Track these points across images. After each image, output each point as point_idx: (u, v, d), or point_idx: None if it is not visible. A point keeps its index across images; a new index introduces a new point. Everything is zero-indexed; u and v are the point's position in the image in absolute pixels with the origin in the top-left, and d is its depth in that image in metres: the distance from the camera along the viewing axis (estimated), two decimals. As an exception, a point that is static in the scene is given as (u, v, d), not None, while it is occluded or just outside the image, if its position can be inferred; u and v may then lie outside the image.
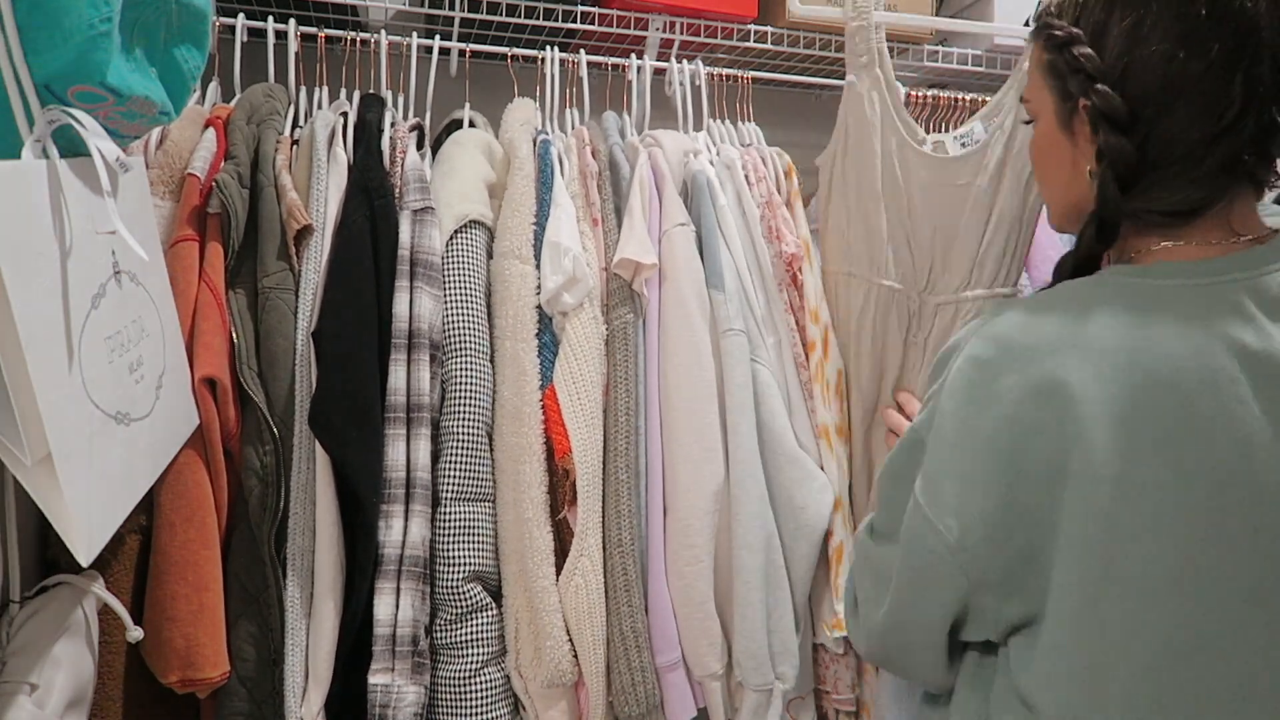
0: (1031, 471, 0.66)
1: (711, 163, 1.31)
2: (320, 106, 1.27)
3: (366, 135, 1.17)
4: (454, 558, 1.07)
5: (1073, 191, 0.76)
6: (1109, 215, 0.70)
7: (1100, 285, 0.71)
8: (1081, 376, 0.65)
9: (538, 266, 1.17)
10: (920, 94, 1.63)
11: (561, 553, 1.12)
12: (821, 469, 1.23)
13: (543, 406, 1.12)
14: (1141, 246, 0.72)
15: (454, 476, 1.08)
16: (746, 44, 1.54)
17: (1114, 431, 0.63)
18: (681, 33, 1.49)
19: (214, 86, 1.25)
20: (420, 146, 1.25)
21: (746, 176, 1.31)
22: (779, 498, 1.19)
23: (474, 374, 1.11)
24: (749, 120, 1.47)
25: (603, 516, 1.14)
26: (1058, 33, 0.72)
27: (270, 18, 1.27)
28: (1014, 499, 0.67)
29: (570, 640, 1.10)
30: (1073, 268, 0.74)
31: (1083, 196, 0.74)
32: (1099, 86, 0.68)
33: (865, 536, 0.84)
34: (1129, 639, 0.64)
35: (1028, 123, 0.80)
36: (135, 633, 0.89)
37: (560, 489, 1.14)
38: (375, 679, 1.01)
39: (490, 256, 1.19)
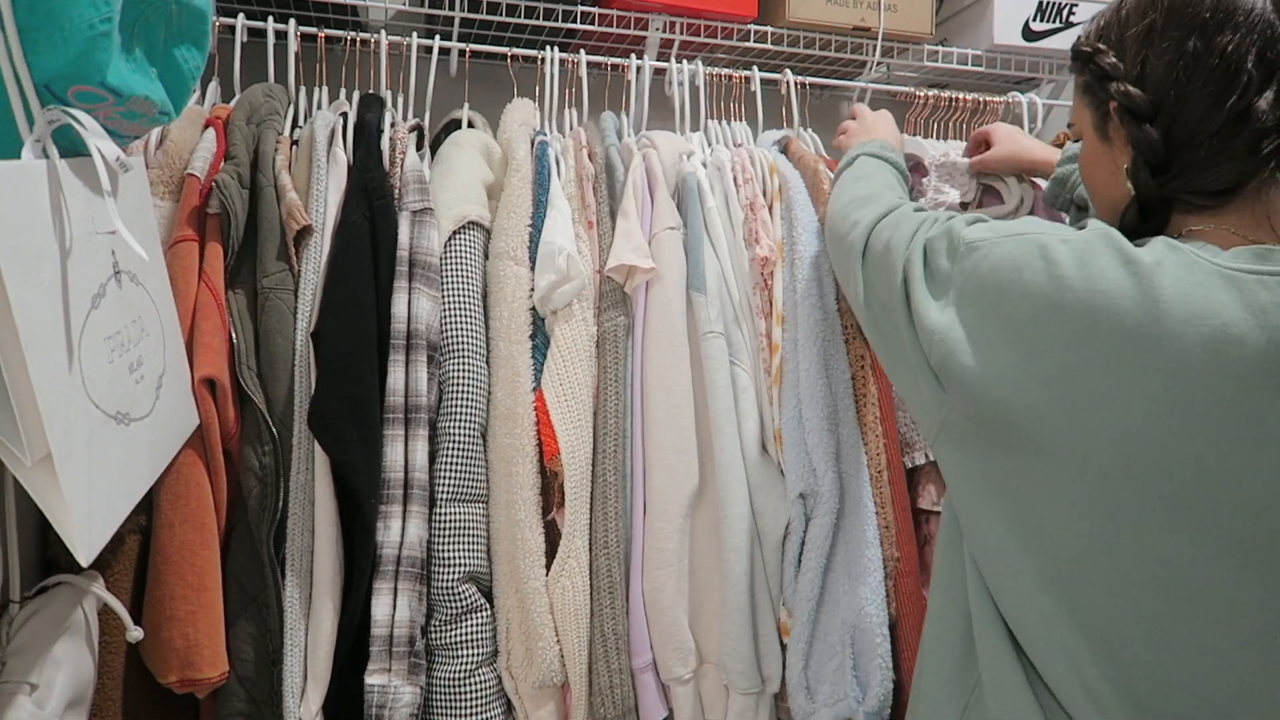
0: None
1: (705, 164, 1.31)
2: (320, 106, 1.28)
3: (366, 136, 1.17)
4: (449, 559, 1.07)
5: (1113, 191, 0.81)
6: (1144, 197, 0.76)
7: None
8: None
9: (532, 268, 1.17)
10: (921, 94, 1.63)
11: (552, 554, 1.12)
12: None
13: (535, 408, 1.12)
14: (1180, 227, 0.77)
15: (449, 478, 1.08)
16: (746, 44, 1.54)
17: None
18: (681, 33, 1.49)
19: (214, 86, 1.25)
20: (420, 147, 1.25)
21: (735, 178, 1.30)
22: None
23: (471, 375, 1.11)
24: (741, 120, 1.47)
25: (590, 519, 1.14)
26: (1085, 49, 0.81)
27: (270, 18, 1.27)
28: None
29: (558, 641, 1.10)
30: None
31: (1122, 194, 0.79)
32: (1120, 85, 0.76)
33: None
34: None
35: (1076, 140, 0.90)
36: (135, 633, 0.89)
37: (551, 490, 1.14)
38: (372, 679, 1.01)
39: (487, 257, 1.19)
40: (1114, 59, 0.77)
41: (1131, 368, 0.65)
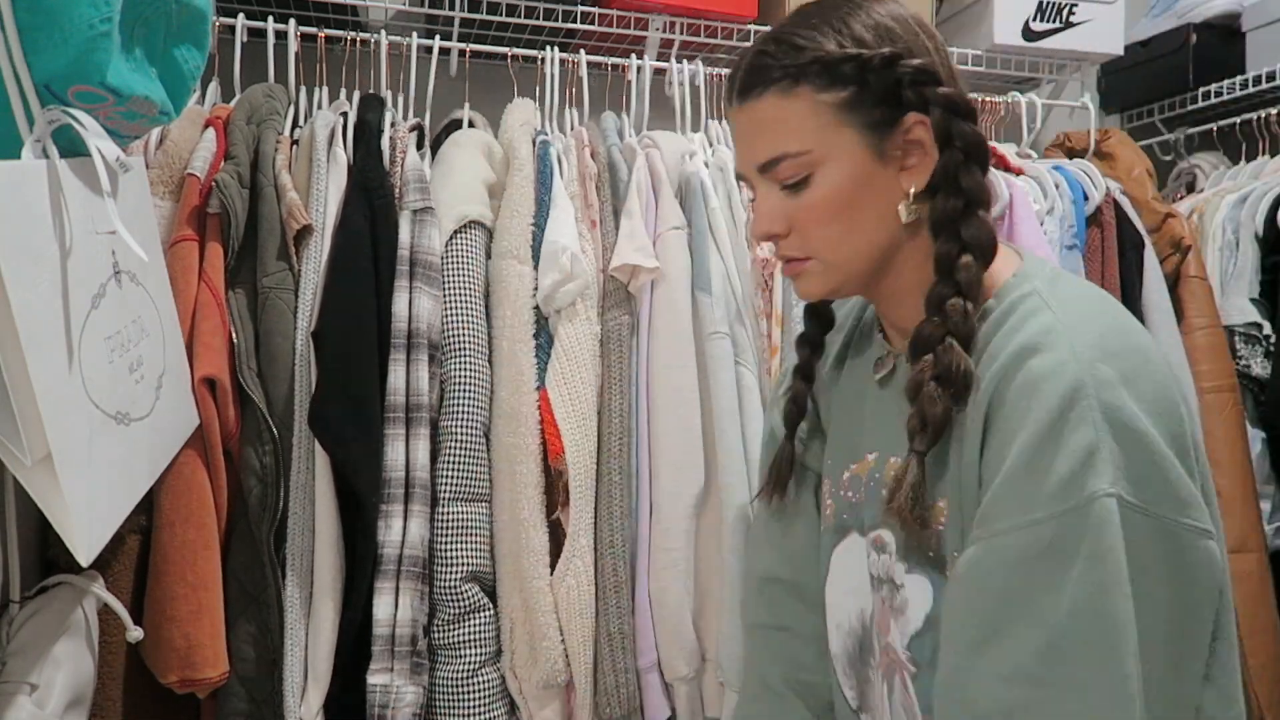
0: None
1: (707, 164, 1.31)
2: (320, 106, 1.27)
3: (366, 135, 1.17)
4: (451, 558, 1.07)
5: (884, 231, 0.71)
6: (983, 199, 0.68)
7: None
8: None
9: (535, 267, 1.17)
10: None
11: (556, 553, 1.12)
12: None
13: (538, 407, 1.12)
14: None
15: (452, 477, 1.08)
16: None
17: None
18: (681, 33, 1.49)
19: (214, 86, 1.25)
20: (420, 147, 1.25)
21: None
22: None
23: (472, 374, 1.11)
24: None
25: (595, 518, 1.14)
26: (871, 58, 0.67)
27: (270, 18, 1.27)
28: None
29: (563, 640, 1.10)
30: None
31: (894, 234, 0.71)
32: (942, 89, 0.68)
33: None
34: None
35: (793, 186, 0.70)
36: (135, 633, 0.89)
37: (555, 489, 1.14)
38: (374, 679, 1.01)
39: (489, 257, 1.19)
40: (926, 63, 0.68)
41: None
